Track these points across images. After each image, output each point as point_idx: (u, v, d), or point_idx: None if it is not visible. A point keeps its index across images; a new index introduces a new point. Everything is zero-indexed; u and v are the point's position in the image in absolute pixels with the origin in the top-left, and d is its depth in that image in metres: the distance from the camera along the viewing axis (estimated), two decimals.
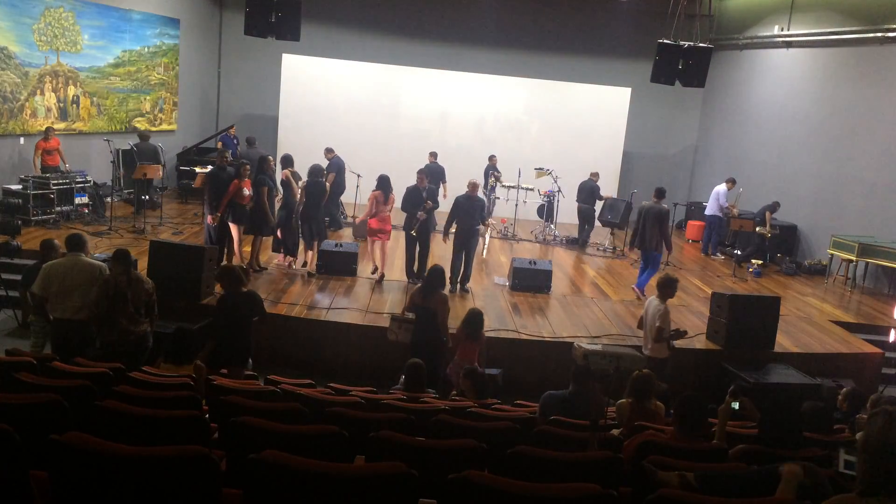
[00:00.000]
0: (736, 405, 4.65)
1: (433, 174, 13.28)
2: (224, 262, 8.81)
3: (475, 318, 7.15)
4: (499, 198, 14.45)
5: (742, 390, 5.82)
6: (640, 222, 10.71)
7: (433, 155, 14.36)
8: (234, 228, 9.57)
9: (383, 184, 10.10)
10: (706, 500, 2.93)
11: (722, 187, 13.93)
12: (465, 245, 9.99)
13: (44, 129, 11.72)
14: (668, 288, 7.45)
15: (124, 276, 6.20)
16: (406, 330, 7.36)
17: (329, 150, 12.74)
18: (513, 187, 14.25)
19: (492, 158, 14.62)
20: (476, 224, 10.17)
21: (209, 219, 9.51)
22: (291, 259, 10.38)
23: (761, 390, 7.42)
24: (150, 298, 6.37)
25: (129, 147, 13.31)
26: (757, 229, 12.94)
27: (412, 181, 10.26)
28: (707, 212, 14.33)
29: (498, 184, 14.33)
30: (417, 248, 10.16)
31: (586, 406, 5.21)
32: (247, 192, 9.49)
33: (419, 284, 7.81)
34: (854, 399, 6.21)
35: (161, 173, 13.00)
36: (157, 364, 5.82)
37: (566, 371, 5.84)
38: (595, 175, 14.18)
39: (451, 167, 14.37)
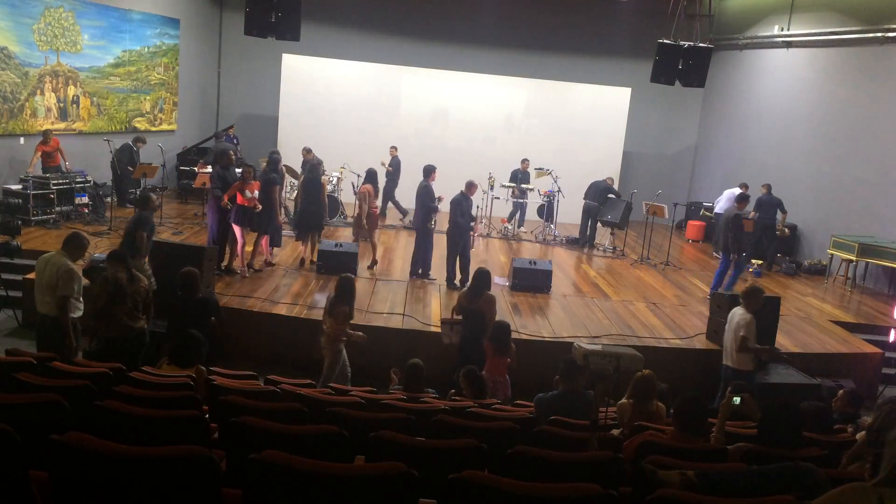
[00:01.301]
0: (737, 400, 4.64)
1: (397, 168, 13.88)
2: (220, 265, 8.68)
3: (502, 330, 6.93)
4: (524, 201, 14.49)
5: (743, 389, 5.83)
6: (720, 226, 11.05)
7: (394, 148, 14.48)
8: (237, 230, 9.58)
9: (372, 177, 10.92)
10: (706, 500, 2.92)
11: (736, 190, 13.89)
12: (458, 244, 10.07)
13: (42, 130, 11.72)
14: (753, 297, 7.32)
15: (123, 273, 6.30)
16: (458, 332, 7.40)
17: (307, 150, 12.71)
18: (513, 187, 14.26)
19: (524, 163, 14.54)
20: (468, 223, 10.22)
21: (224, 200, 9.41)
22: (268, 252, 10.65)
23: (761, 390, 7.41)
24: (148, 296, 6.48)
25: (127, 144, 13.19)
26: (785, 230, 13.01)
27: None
28: (717, 210, 14.14)
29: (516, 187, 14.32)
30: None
31: (578, 404, 5.20)
32: (250, 194, 9.47)
33: (465, 287, 7.74)
34: (852, 400, 6.20)
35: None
36: (160, 365, 5.85)
37: None
38: (610, 179, 14.25)
39: (452, 167, 14.36)
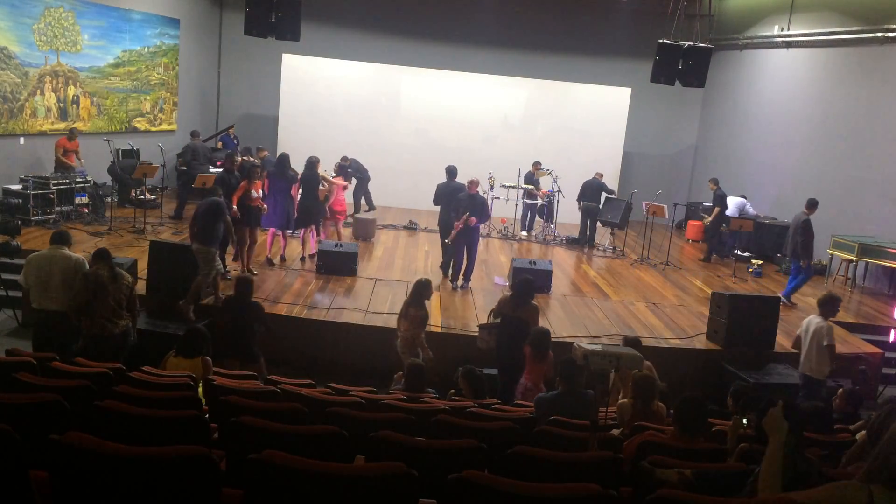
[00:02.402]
0: (745, 421, 4.63)
1: (357, 170, 14.08)
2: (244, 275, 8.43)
3: (543, 337, 6.84)
4: (532, 202, 14.45)
5: (742, 390, 5.83)
6: (789, 231, 10.97)
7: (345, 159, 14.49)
8: (247, 232, 9.61)
9: (342, 171, 11.66)
10: (706, 499, 2.92)
11: (738, 198, 13.94)
12: (465, 241, 10.11)
13: (69, 127, 12.08)
14: (829, 306, 7.31)
15: (105, 270, 6.32)
16: (494, 337, 7.33)
17: (260, 149, 12.91)
18: (513, 187, 14.25)
19: (534, 165, 14.54)
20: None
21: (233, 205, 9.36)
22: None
23: (760, 390, 7.42)
24: (131, 294, 6.49)
25: (133, 161, 13.21)
26: None
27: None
28: (729, 212, 14.01)
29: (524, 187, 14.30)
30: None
31: (578, 404, 5.20)
32: (255, 194, 9.49)
33: (509, 294, 7.63)
34: (851, 399, 6.20)
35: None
36: (167, 358, 5.95)
37: None
38: (600, 175, 14.24)
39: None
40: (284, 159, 10.67)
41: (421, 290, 7.30)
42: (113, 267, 6.45)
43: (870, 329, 10.02)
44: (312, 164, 10.67)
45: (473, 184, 10.19)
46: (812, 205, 10.77)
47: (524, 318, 7.19)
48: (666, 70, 11.20)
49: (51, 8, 11.80)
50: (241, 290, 7.09)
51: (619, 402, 5.26)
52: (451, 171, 10.85)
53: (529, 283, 7.51)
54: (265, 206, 9.80)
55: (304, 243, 10.90)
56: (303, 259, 10.77)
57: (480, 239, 11.08)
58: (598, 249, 13.92)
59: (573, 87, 16.88)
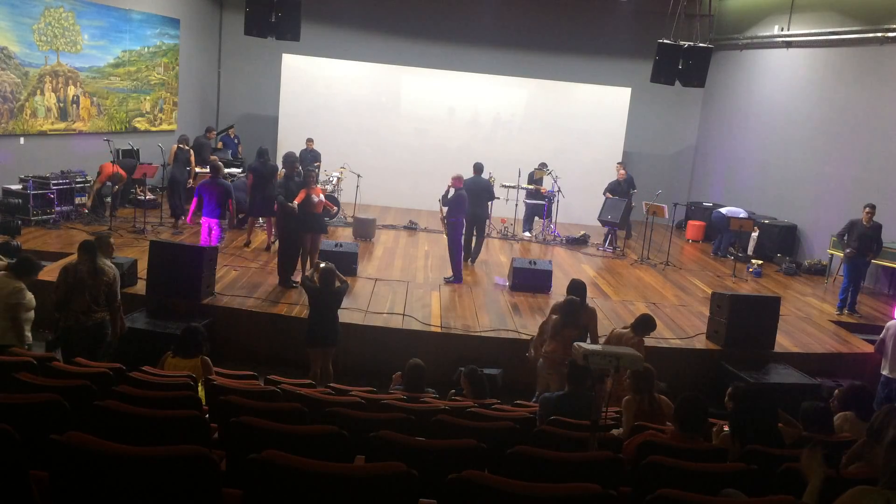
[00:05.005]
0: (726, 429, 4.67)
1: (312, 158, 14.25)
2: (325, 264, 8.25)
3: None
4: (533, 202, 14.46)
5: (740, 391, 5.81)
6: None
7: (311, 141, 14.70)
8: (308, 239, 9.61)
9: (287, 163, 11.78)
10: (706, 499, 2.93)
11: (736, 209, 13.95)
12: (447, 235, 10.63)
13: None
14: None
15: (86, 266, 6.23)
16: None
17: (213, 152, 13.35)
18: (513, 187, 14.25)
19: (540, 168, 14.61)
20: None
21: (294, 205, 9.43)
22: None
23: (758, 390, 7.40)
24: (111, 288, 6.37)
25: (133, 160, 13.22)
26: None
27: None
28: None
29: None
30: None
31: (583, 405, 5.20)
32: (316, 198, 9.46)
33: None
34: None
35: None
36: (165, 358, 5.94)
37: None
38: (622, 175, 14.31)
39: (451, 167, 14.37)
40: (263, 152, 11.25)
41: (576, 310, 7.04)
42: (95, 262, 6.30)
43: (870, 329, 10.01)
44: (291, 159, 10.81)
45: (456, 179, 10.43)
46: (865, 206, 10.33)
47: (584, 324, 7.01)
48: (666, 70, 11.20)
49: (51, 8, 11.79)
50: (327, 279, 7.26)
51: (625, 399, 5.26)
52: (477, 167, 11.24)
53: (582, 287, 7.29)
54: (334, 207, 9.98)
55: (249, 232, 11.43)
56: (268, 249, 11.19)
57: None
58: (597, 249, 13.90)
59: (573, 87, 16.88)
